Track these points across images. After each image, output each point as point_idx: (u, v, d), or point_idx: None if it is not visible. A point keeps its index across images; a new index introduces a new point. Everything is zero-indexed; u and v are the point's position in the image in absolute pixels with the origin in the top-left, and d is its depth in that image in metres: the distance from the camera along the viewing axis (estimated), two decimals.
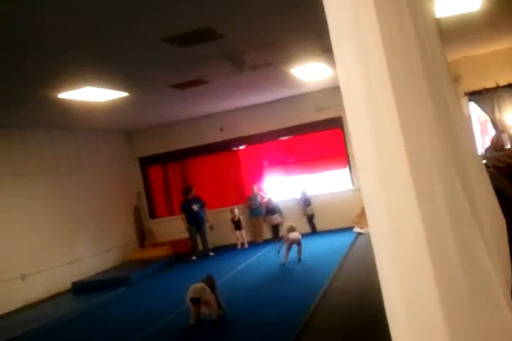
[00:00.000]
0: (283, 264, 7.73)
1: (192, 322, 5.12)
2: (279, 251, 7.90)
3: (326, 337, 4.42)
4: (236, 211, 10.57)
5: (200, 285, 5.15)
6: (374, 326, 4.41)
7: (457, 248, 1.13)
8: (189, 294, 5.05)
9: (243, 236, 10.58)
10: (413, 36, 1.25)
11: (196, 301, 5.01)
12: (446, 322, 1.04)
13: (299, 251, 7.86)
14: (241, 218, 10.62)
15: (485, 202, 1.35)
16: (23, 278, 8.16)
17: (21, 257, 8.24)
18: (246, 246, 10.45)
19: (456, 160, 1.28)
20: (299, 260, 7.86)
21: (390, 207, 1.13)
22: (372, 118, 1.14)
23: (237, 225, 10.56)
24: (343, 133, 10.76)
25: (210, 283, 5.31)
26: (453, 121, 1.36)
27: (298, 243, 7.80)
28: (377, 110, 1.14)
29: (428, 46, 1.37)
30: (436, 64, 1.39)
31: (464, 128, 1.38)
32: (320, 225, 10.69)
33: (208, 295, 5.07)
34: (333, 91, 10.29)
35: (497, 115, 9.69)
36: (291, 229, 7.92)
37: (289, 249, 7.76)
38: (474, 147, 1.36)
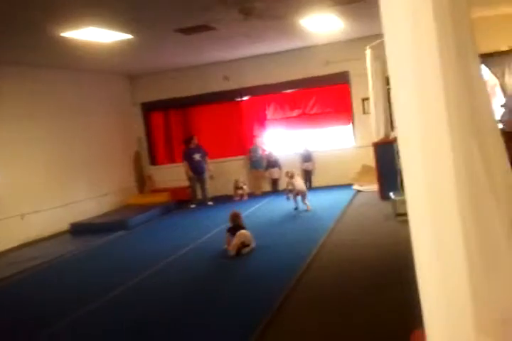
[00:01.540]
0: (296, 209, 8.45)
1: (233, 254, 5.90)
2: (288, 198, 8.50)
3: (317, 291, 4.52)
4: (241, 182, 10.60)
5: (246, 232, 6.05)
6: (363, 277, 4.56)
7: (471, 208, 1.16)
8: (239, 241, 5.91)
9: (244, 191, 10.64)
10: None
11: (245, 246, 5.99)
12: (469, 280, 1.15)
13: (304, 201, 8.42)
14: (244, 185, 10.65)
15: (500, 166, 1.34)
16: (22, 216, 8.27)
17: (20, 197, 8.31)
18: (245, 198, 10.52)
19: (473, 124, 1.25)
20: (307, 209, 8.38)
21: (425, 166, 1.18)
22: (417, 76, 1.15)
23: (239, 188, 10.62)
24: (350, 89, 10.61)
25: (238, 221, 6.20)
26: (472, 82, 1.32)
27: (303, 193, 8.38)
28: (423, 68, 1.14)
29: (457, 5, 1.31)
30: (463, 22, 1.33)
31: (482, 91, 1.34)
32: (319, 181, 10.71)
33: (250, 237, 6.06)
34: (342, 45, 10.08)
35: (507, 79, 9.52)
36: (292, 176, 8.39)
37: (295, 197, 8.45)
38: (491, 111, 1.35)
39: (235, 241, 5.94)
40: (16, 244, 8.01)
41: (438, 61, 1.14)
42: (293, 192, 8.44)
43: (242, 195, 10.56)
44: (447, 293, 1.16)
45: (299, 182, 8.46)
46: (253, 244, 6.10)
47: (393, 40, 1.19)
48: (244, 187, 10.61)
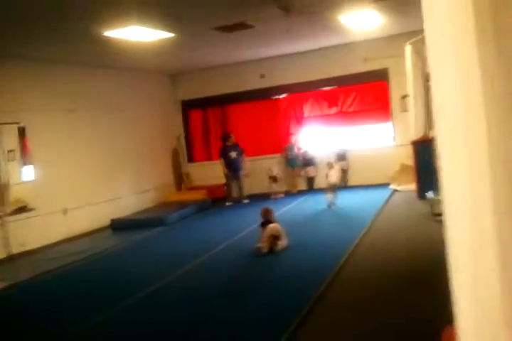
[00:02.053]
0: (329, 206, 8.57)
1: (265, 251, 5.94)
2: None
3: (353, 288, 4.50)
4: (273, 169, 10.54)
5: (276, 225, 6.11)
6: (399, 276, 4.51)
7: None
8: (269, 233, 5.99)
9: (279, 188, 10.58)
10: None
11: (275, 237, 6.00)
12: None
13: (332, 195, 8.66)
14: (277, 175, 10.60)
15: None
16: (64, 212, 8.51)
17: (63, 192, 8.55)
18: (281, 196, 10.43)
19: None
20: (329, 206, 8.55)
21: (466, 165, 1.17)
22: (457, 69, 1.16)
23: (273, 180, 10.59)
24: (389, 86, 10.47)
25: (269, 216, 6.24)
26: None
27: (333, 188, 8.63)
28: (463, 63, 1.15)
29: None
30: (507, 18, 1.31)
31: None
32: (357, 180, 10.58)
33: (281, 230, 6.09)
34: (380, 42, 9.94)
35: None
36: (330, 166, 8.82)
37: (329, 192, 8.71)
38: None
39: (265, 233, 5.99)
40: (58, 238, 8.24)
41: (477, 57, 1.15)
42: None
43: (276, 193, 10.45)
44: (479, 291, 1.18)
45: (332, 175, 8.63)
46: (285, 241, 6.08)
47: (434, 37, 1.21)
48: (278, 176, 10.55)
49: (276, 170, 10.60)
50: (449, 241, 1.21)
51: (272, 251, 5.93)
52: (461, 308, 1.19)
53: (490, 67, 1.17)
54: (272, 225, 6.09)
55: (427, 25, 1.21)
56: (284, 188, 10.76)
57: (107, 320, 4.34)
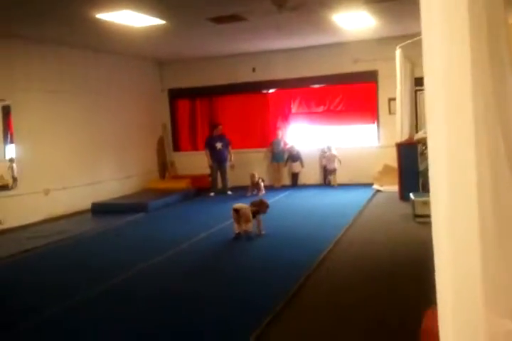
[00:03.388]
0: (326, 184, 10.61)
1: (236, 232, 6.34)
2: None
3: (329, 286, 4.55)
4: (256, 176, 10.11)
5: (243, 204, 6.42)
6: (377, 276, 4.59)
7: (494, 207, 1.23)
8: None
9: (260, 187, 10.14)
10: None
11: (236, 211, 6.22)
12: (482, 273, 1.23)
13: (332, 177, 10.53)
14: (260, 183, 10.09)
15: None
16: (46, 192, 8.50)
17: (46, 172, 8.53)
18: (261, 193, 9.91)
19: (504, 130, 1.30)
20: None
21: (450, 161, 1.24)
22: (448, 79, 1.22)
23: (256, 186, 10.13)
24: (377, 88, 10.57)
25: (256, 208, 6.42)
26: (505, 88, 1.37)
27: (330, 170, 10.46)
28: (454, 72, 1.22)
29: (493, 9, 1.37)
30: (499, 30, 1.37)
31: None
32: (340, 179, 10.62)
33: (247, 211, 6.24)
34: (372, 44, 10.01)
35: None
36: (329, 149, 10.53)
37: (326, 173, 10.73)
38: None
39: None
40: (38, 219, 8.22)
41: (469, 66, 1.20)
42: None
43: (255, 191, 10.06)
44: (460, 279, 1.22)
45: (331, 159, 10.32)
46: (250, 226, 6.29)
47: (429, 43, 1.26)
48: (261, 183, 10.12)
49: (259, 176, 10.23)
50: (434, 235, 1.26)
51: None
52: (443, 292, 1.25)
53: (481, 75, 1.22)
54: (242, 204, 6.36)
55: (424, 34, 1.26)
56: (267, 181, 10.71)
57: (75, 305, 4.30)
